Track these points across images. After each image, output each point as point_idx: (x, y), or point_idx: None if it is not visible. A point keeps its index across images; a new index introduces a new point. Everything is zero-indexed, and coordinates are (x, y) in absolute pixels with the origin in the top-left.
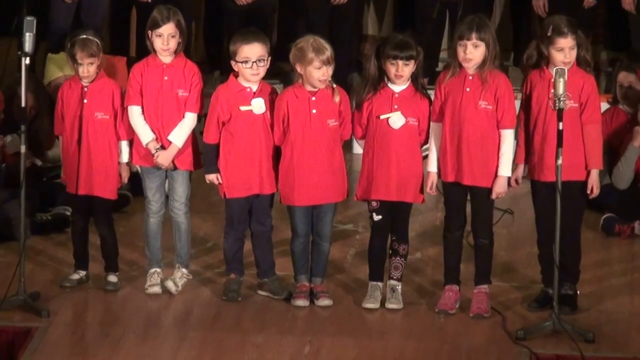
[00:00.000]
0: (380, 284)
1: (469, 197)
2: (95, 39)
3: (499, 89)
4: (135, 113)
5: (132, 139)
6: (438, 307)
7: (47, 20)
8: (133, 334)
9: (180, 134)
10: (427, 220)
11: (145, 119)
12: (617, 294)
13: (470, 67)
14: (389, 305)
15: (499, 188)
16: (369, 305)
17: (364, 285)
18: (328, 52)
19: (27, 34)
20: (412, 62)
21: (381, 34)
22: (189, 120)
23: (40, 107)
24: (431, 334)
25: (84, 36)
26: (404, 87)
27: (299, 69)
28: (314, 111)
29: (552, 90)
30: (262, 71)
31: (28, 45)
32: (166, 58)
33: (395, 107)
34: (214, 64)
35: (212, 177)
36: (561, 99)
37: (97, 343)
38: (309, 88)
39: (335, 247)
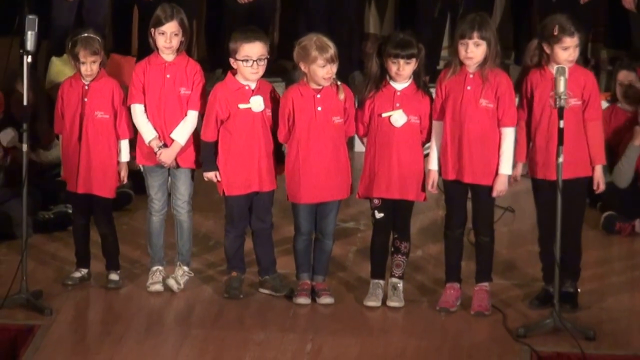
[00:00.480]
0: (381, 281)
1: (469, 195)
2: (97, 37)
3: (499, 87)
4: (138, 111)
5: (133, 138)
6: (439, 305)
7: (49, 19)
8: (135, 332)
9: (182, 132)
10: (428, 218)
11: (147, 117)
12: (617, 292)
13: (472, 65)
14: (391, 303)
15: (500, 186)
16: (370, 303)
17: (366, 283)
18: (332, 50)
19: (29, 33)
20: (414, 60)
21: (382, 33)
22: (192, 118)
23: (39, 106)
24: (432, 332)
25: (86, 34)
26: (406, 85)
27: (303, 67)
28: (319, 109)
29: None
30: (261, 70)
31: (30, 44)
32: (168, 56)
33: (397, 105)
34: (216, 62)
35: (210, 175)
36: (562, 97)
37: (99, 341)
38: (313, 86)
39: (337, 245)
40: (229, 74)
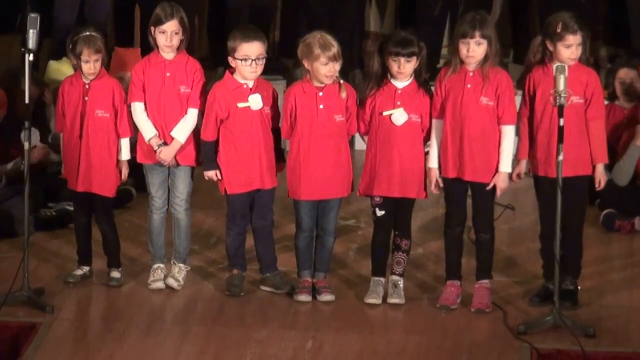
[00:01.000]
0: (382, 279)
1: (469, 193)
2: (99, 35)
3: (500, 85)
4: (138, 109)
5: (133, 137)
6: (440, 302)
7: (51, 18)
8: (136, 329)
9: (182, 130)
10: (429, 215)
11: (147, 115)
12: (617, 289)
13: (472, 64)
14: (391, 301)
15: (501, 183)
16: (371, 300)
17: (367, 280)
18: (335, 48)
19: (31, 31)
20: (414, 58)
21: (383, 31)
22: (192, 116)
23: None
24: (433, 329)
25: (88, 33)
26: (407, 83)
27: (306, 64)
28: (321, 106)
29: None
30: (259, 69)
31: (32, 42)
32: (168, 55)
33: (398, 103)
34: (218, 60)
35: (211, 174)
36: (562, 95)
37: (101, 338)
38: (316, 84)
39: (337, 243)
40: (227, 73)
